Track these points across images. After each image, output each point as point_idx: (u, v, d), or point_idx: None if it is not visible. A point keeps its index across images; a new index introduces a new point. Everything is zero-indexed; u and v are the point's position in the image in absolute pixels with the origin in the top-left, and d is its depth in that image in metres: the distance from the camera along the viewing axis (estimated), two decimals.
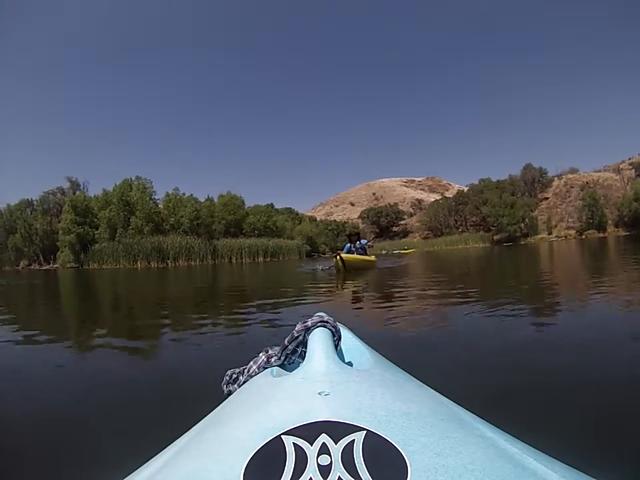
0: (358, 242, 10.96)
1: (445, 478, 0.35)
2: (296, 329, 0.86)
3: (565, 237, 47.22)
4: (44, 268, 34.30)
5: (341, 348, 0.92)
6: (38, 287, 11.60)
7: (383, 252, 39.88)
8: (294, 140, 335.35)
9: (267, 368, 0.88)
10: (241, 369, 0.95)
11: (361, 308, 4.54)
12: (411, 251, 40.32)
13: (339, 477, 0.36)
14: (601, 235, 44.95)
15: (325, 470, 0.37)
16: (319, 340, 0.78)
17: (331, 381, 0.58)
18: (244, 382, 0.89)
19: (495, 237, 51.08)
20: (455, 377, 1.88)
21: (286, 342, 0.86)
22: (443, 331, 3.12)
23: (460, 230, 58.81)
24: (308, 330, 0.84)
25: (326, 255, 41.12)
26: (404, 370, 0.78)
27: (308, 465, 0.38)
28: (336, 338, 0.84)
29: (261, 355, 0.93)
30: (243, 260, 32.67)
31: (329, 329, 0.84)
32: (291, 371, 0.78)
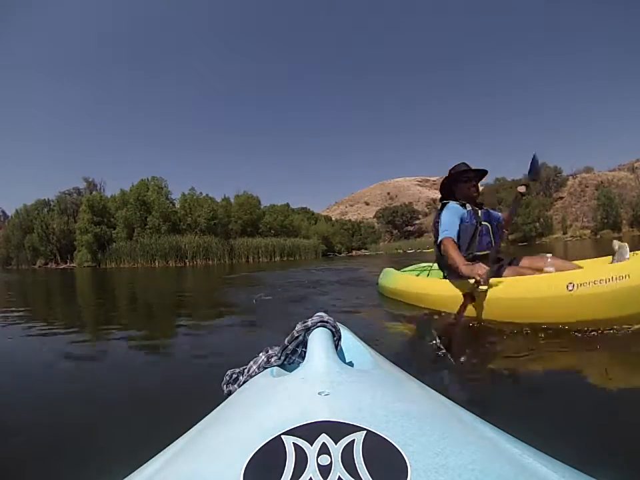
0: (483, 207, 3.71)
1: (445, 478, 0.35)
2: (296, 328, 0.86)
3: (580, 236, 46.50)
4: (60, 267, 34.65)
5: (341, 348, 0.91)
6: (52, 285, 11.75)
7: (399, 251, 39.54)
8: (309, 140, 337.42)
9: (266, 368, 0.88)
10: (241, 369, 0.95)
11: (361, 307, 4.45)
12: (431, 250, 39.75)
13: (339, 477, 0.36)
14: (616, 234, 44.08)
15: (324, 470, 0.37)
16: (318, 340, 0.77)
17: (331, 380, 0.57)
18: (244, 382, 0.89)
19: (510, 237, 50.48)
20: (453, 375, 1.89)
21: (286, 342, 0.86)
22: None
23: None
24: (308, 330, 0.84)
25: (342, 255, 40.77)
26: (404, 370, 0.77)
27: (308, 465, 0.38)
28: (336, 338, 0.84)
29: (261, 355, 0.93)
30: (260, 259, 32.89)
31: (329, 329, 0.84)
32: (290, 371, 0.78)
